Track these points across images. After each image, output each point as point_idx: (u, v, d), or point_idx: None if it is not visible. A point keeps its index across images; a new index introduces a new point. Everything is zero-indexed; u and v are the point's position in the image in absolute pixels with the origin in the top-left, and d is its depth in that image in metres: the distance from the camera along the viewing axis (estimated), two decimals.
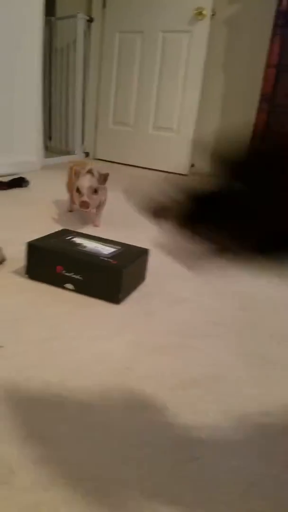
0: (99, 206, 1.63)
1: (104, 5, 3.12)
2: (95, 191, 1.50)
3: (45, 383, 0.72)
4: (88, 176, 1.50)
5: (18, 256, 1.19)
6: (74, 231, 1.24)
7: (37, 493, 0.53)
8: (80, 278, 1.05)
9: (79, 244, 1.13)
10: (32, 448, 0.59)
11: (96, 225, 1.64)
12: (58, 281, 1.08)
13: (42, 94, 2.67)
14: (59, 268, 1.07)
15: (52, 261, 1.08)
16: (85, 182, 1.49)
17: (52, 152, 3.49)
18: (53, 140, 3.65)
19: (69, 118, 3.44)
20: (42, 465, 0.56)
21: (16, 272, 1.15)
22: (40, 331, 0.88)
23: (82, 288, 1.06)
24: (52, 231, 1.22)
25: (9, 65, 2.32)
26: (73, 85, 3.29)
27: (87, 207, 1.48)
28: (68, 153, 3.51)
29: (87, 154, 3.64)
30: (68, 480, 0.55)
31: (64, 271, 1.07)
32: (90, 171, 1.51)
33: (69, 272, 1.06)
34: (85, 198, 1.47)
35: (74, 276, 1.06)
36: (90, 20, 3.20)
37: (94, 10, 3.20)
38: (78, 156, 3.47)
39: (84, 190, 1.48)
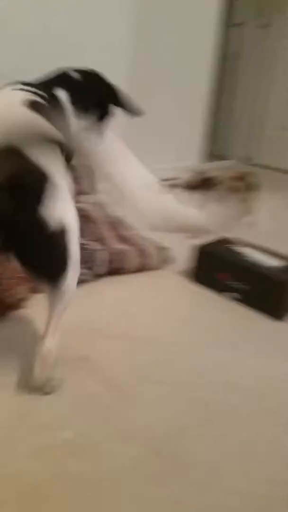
0: None
1: (279, 11, 3.10)
2: (194, 188, 1.42)
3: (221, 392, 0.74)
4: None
5: (182, 257, 1.23)
6: (235, 239, 1.20)
7: None
8: (245, 288, 1.03)
9: (243, 253, 1.10)
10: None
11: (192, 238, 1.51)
12: (221, 288, 1.07)
13: (212, 100, 2.72)
14: (224, 276, 1.06)
15: (219, 267, 1.08)
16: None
17: (213, 157, 3.51)
18: (215, 144, 3.64)
19: (231, 122, 3.43)
20: None
21: (180, 273, 1.18)
22: (204, 335, 0.90)
23: (245, 299, 1.03)
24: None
25: (181, 68, 2.38)
26: (240, 89, 3.31)
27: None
28: (227, 158, 3.45)
29: (246, 160, 3.51)
30: None
31: (229, 279, 1.06)
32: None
33: (235, 281, 1.04)
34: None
35: (239, 285, 1.04)
36: (264, 26, 3.16)
37: (269, 16, 3.13)
38: (237, 162, 3.35)
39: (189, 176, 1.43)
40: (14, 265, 0.88)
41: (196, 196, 1.41)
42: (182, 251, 1.33)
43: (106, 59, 1.63)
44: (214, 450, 0.63)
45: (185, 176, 1.42)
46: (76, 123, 0.93)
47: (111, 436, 0.63)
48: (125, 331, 0.90)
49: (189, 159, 2.68)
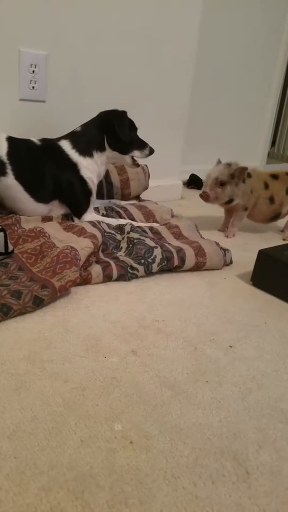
0: (235, 212, 1.46)
1: None
2: (222, 184, 1.34)
3: (276, 397, 0.70)
4: (221, 167, 1.36)
5: (243, 260, 1.24)
6: None
7: None
8: None
9: None
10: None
11: (226, 236, 1.48)
12: (286, 295, 1.04)
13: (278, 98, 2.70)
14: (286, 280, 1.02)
15: (284, 273, 1.04)
16: (214, 172, 1.36)
17: (272, 159, 3.45)
18: (277, 145, 3.59)
19: None
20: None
21: (241, 276, 1.17)
22: (263, 340, 0.86)
23: None
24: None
25: (250, 66, 2.42)
26: None
27: (206, 199, 1.35)
28: None
29: None
30: None
31: None
32: (229, 163, 1.36)
33: None
34: (205, 189, 1.36)
35: None
36: None
37: None
38: None
39: (208, 181, 1.36)
40: (63, 251, 0.96)
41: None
42: (243, 254, 1.30)
43: (176, 66, 1.67)
44: (278, 458, 0.57)
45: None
46: (111, 155, 1.33)
47: (165, 433, 0.59)
48: (179, 329, 0.86)
49: (252, 160, 2.65)
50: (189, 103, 1.83)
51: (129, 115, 1.32)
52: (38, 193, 1.22)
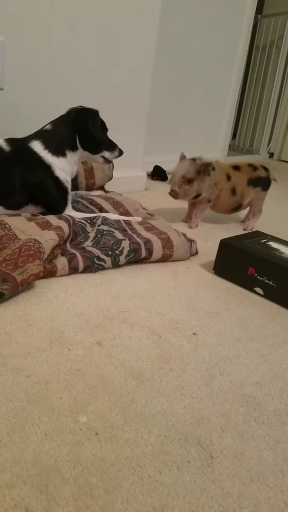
0: (199, 203, 1.47)
1: None
2: (189, 181, 1.36)
3: (238, 382, 0.71)
4: (187, 164, 1.36)
5: (207, 250, 1.26)
6: (269, 235, 1.20)
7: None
8: (273, 284, 1.00)
9: (275, 249, 1.08)
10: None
11: (190, 227, 1.50)
12: (246, 283, 1.05)
13: (238, 92, 2.73)
14: (251, 270, 1.04)
15: (244, 262, 1.05)
16: (180, 169, 1.37)
17: (233, 151, 3.49)
18: (237, 138, 3.64)
19: (260, 116, 3.42)
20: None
21: (203, 266, 1.17)
22: (224, 327, 0.88)
23: (272, 295, 1.01)
24: None
25: (211, 60, 2.42)
26: (270, 83, 3.30)
27: (175, 197, 1.37)
28: (251, 152, 3.50)
29: (271, 155, 3.59)
30: None
31: (256, 274, 1.03)
32: (193, 159, 1.37)
33: (262, 276, 1.02)
34: (174, 187, 1.36)
35: (266, 281, 1.01)
36: None
37: None
38: (262, 157, 3.44)
39: (176, 178, 1.36)
40: (25, 244, 0.93)
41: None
42: (206, 244, 1.32)
43: (137, 62, 1.65)
44: (240, 441, 0.59)
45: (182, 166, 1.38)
46: (82, 155, 1.30)
47: (130, 422, 0.59)
48: (144, 319, 0.86)
49: (214, 152, 2.68)
50: (150, 94, 1.82)
51: (87, 105, 1.30)
52: (9, 202, 1.16)
